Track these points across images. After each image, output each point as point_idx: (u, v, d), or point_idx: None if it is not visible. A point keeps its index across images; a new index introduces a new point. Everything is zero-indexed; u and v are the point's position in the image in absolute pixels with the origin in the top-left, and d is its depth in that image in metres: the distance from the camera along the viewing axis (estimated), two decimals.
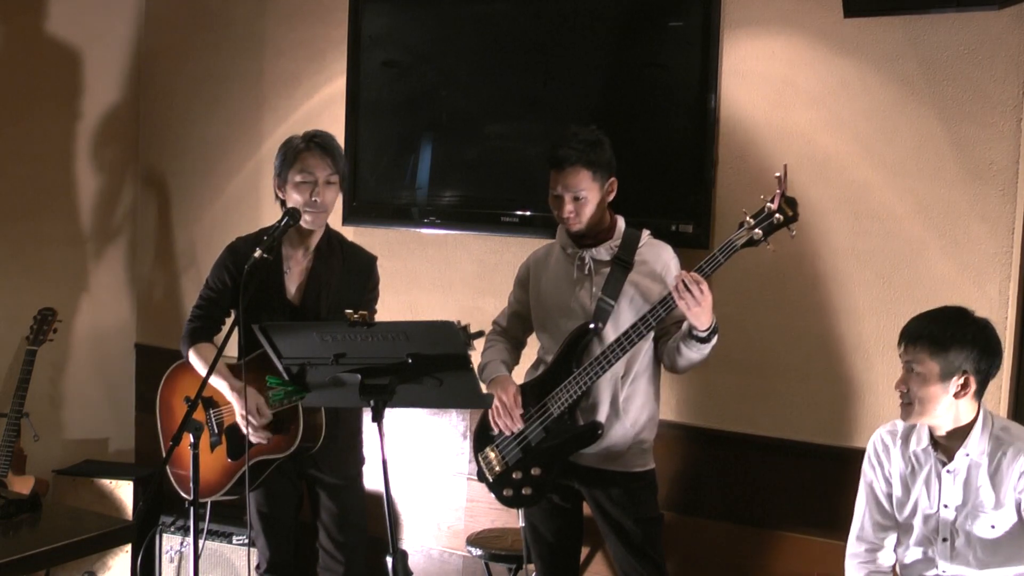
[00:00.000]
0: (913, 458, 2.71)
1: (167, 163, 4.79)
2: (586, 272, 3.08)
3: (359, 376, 2.61)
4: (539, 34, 3.81)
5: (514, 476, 3.11)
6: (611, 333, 3.00)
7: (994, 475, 2.59)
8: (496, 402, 3.08)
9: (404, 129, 4.10)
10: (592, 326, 3.02)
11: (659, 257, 3.09)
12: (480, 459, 3.19)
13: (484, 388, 3.14)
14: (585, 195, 3.01)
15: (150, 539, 4.15)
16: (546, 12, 3.80)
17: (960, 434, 2.62)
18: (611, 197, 3.09)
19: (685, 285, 2.82)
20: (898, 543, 2.77)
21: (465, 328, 2.54)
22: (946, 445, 2.65)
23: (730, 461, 3.61)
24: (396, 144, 4.12)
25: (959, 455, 2.62)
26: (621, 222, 3.13)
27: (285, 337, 2.67)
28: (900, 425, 2.76)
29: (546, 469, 3.08)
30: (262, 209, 4.46)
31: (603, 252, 3.07)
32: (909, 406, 2.62)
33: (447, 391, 2.63)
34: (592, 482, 3.11)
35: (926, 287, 3.27)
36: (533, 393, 3.08)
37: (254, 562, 3.55)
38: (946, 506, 2.64)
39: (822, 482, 3.44)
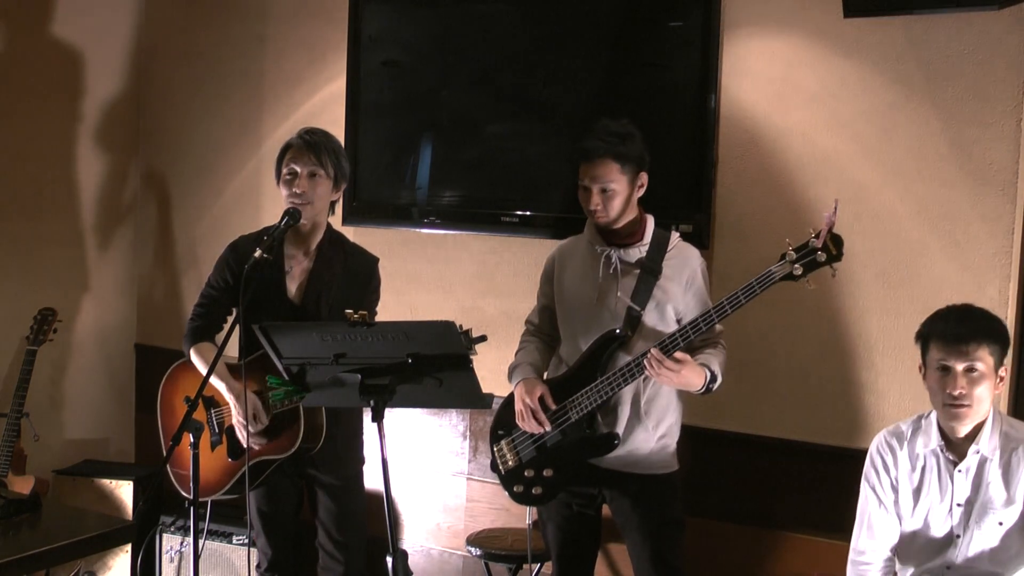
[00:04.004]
0: (920, 459, 2.69)
1: (167, 163, 4.79)
2: (612, 271, 3.03)
3: (359, 376, 2.60)
4: (539, 34, 3.81)
5: (526, 474, 3.10)
6: (637, 341, 2.97)
7: (1005, 471, 2.60)
8: (519, 405, 3.06)
9: (404, 129, 4.10)
10: (619, 332, 2.98)
11: (687, 264, 3.03)
12: (495, 450, 3.18)
13: (512, 389, 3.12)
14: (613, 187, 2.96)
15: (150, 539, 4.15)
16: (546, 12, 3.80)
17: (971, 433, 2.63)
18: (641, 192, 3.03)
19: (654, 365, 2.82)
20: (905, 545, 2.76)
21: (467, 333, 2.53)
22: (958, 444, 2.65)
23: (730, 461, 3.61)
24: (396, 144, 4.12)
25: (970, 453, 2.62)
26: (651, 222, 3.07)
27: (285, 337, 2.67)
28: (904, 426, 2.75)
29: (558, 471, 3.05)
30: (262, 209, 4.46)
31: (631, 254, 3.02)
32: (968, 408, 2.55)
33: (447, 391, 2.63)
34: (613, 484, 3.07)
35: (926, 287, 3.27)
36: (554, 393, 3.05)
37: (254, 562, 3.56)
38: (959, 505, 2.64)
39: (823, 482, 3.44)
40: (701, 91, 3.52)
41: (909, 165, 3.29)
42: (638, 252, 3.03)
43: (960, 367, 2.54)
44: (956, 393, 2.54)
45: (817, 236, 2.74)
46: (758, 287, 2.80)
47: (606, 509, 3.18)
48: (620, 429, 3.01)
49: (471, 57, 3.94)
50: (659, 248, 3.03)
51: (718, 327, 3.01)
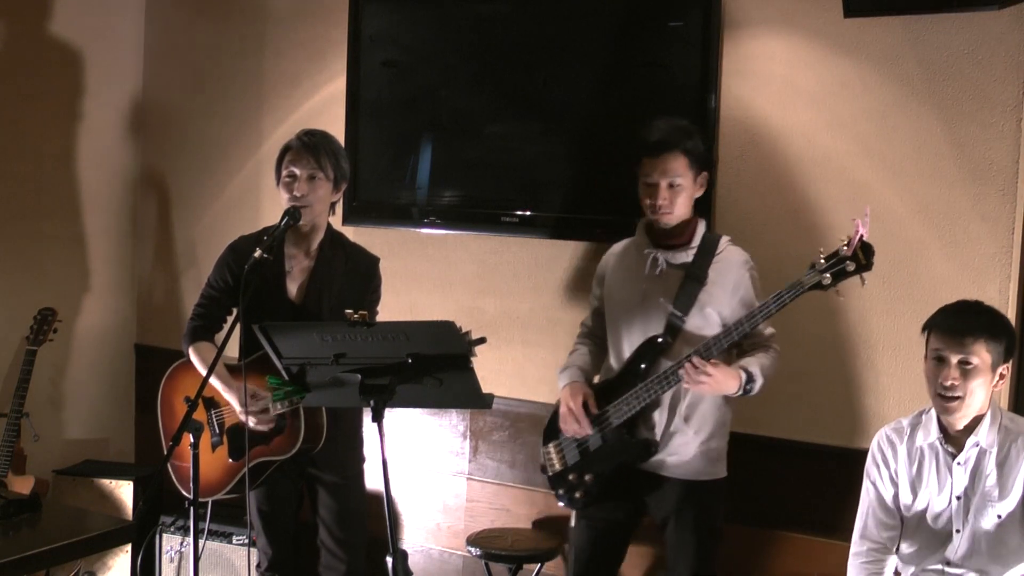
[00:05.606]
0: (920, 453, 2.71)
1: (167, 163, 4.79)
2: (657, 273, 3.01)
3: (359, 376, 2.61)
4: (539, 34, 3.81)
5: (570, 478, 3.12)
6: (682, 347, 2.95)
7: (1003, 464, 2.61)
8: (563, 408, 3.08)
9: (404, 129, 4.10)
10: (660, 339, 2.98)
11: (732, 268, 3.00)
12: (543, 453, 3.21)
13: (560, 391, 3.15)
14: (681, 183, 2.94)
15: (150, 539, 4.15)
16: (546, 12, 3.80)
17: (970, 426, 2.64)
18: (700, 193, 3.03)
19: (691, 373, 2.82)
20: (904, 539, 2.77)
21: (467, 334, 2.53)
22: (956, 437, 2.67)
23: (731, 461, 3.60)
24: (396, 144, 4.12)
25: (968, 445, 2.63)
26: (701, 226, 3.05)
27: (285, 337, 2.67)
28: (905, 422, 2.77)
29: (600, 476, 3.07)
30: (262, 209, 4.46)
31: (678, 257, 3.00)
32: (959, 400, 2.58)
33: (447, 391, 2.63)
34: (654, 488, 3.06)
35: (926, 287, 3.27)
36: (598, 397, 3.06)
37: (254, 562, 3.56)
38: (958, 498, 2.65)
39: (823, 482, 3.44)
40: (701, 91, 3.52)
41: (909, 165, 3.29)
42: (685, 255, 3.01)
43: (955, 359, 2.58)
44: (947, 383, 2.58)
45: (847, 244, 2.72)
46: (788, 297, 2.79)
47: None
48: (659, 434, 3.01)
49: (471, 57, 3.94)
50: (706, 253, 3.00)
51: (769, 330, 3.00)
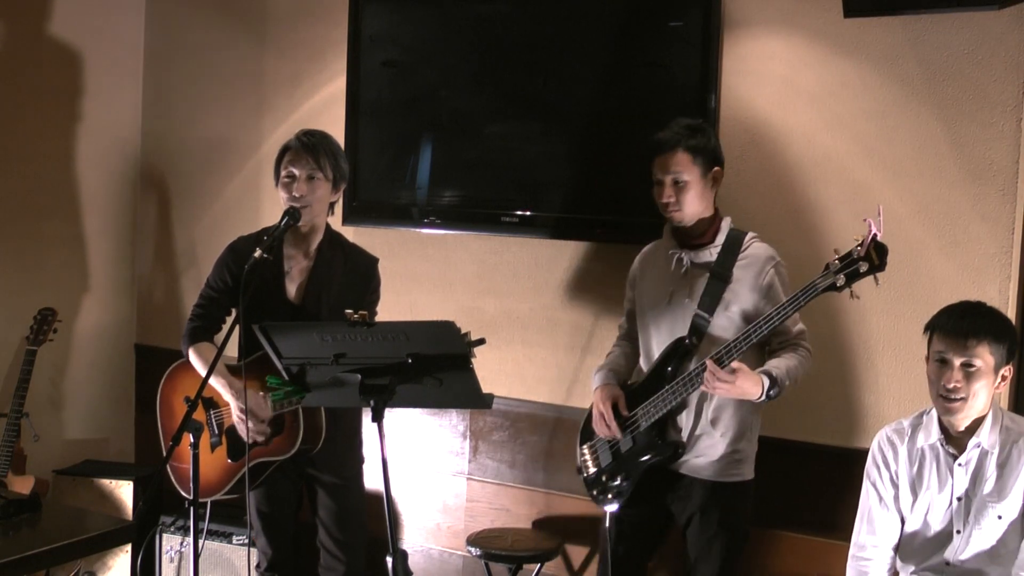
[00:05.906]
0: (920, 454, 2.71)
1: (167, 163, 4.79)
2: (683, 273, 3.02)
3: (359, 376, 2.61)
4: (539, 34, 3.81)
5: (603, 479, 3.13)
6: (709, 348, 2.94)
7: (1003, 465, 2.61)
8: (595, 410, 3.10)
9: (404, 129, 4.10)
10: (687, 341, 2.98)
11: (756, 265, 2.98)
12: (579, 453, 3.22)
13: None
14: (686, 179, 2.95)
15: (150, 539, 4.15)
16: (546, 12, 3.80)
17: (971, 427, 2.64)
18: (715, 188, 3.03)
19: (709, 378, 2.81)
20: (904, 540, 2.77)
21: (467, 335, 2.54)
22: (958, 438, 2.66)
23: None
24: (396, 144, 4.12)
25: (970, 446, 2.63)
26: (725, 224, 3.04)
27: (285, 337, 2.67)
28: (905, 423, 2.77)
29: (628, 479, 3.08)
30: (262, 209, 4.46)
31: (702, 256, 3.00)
32: (962, 402, 2.59)
33: (447, 391, 2.63)
34: (680, 488, 3.06)
35: (926, 287, 3.27)
36: (629, 400, 3.07)
37: (254, 562, 3.56)
38: (959, 499, 2.65)
39: (822, 482, 3.44)
40: (701, 91, 3.51)
41: (909, 165, 3.29)
42: (708, 255, 3.00)
43: (958, 361, 2.58)
44: (950, 386, 2.58)
45: (861, 245, 2.70)
46: (803, 299, 2.78)
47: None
48: (686, 436, 3.01)
49: (471, 57, 3.94)
50: (731, 251, 2.99)
51: (798, 326, 2.99)
